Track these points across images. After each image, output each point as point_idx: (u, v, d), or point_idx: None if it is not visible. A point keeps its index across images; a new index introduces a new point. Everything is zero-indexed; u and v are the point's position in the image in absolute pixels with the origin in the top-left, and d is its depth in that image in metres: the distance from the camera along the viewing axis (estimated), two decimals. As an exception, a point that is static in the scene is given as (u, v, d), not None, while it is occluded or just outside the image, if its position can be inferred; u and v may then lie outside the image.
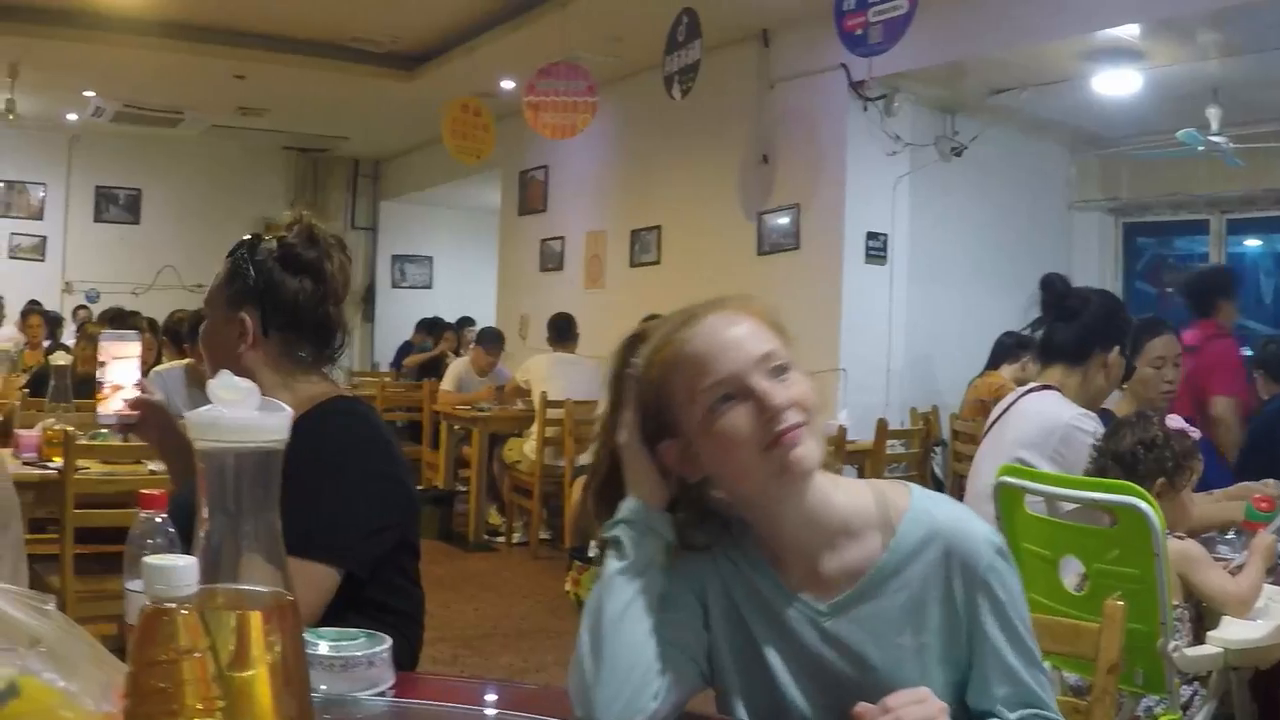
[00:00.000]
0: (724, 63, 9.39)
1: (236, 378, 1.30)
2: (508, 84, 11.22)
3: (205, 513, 1.25)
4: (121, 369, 2.69)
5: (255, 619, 1.23)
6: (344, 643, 1.83)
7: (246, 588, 1.26)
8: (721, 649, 1.85)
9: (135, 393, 2.69)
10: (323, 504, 2.31)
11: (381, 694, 1.81)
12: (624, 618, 1.76)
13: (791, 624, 1.80)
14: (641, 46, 9.49)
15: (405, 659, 2.17)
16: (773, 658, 1.81)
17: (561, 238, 12.43)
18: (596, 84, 9.85)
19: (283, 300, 2.50)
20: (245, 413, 1.26)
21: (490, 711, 1.98)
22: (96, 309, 13.45)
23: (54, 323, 12.61)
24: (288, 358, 2.53)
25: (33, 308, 13.12)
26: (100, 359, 2.69)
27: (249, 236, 2.60)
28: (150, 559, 1.23)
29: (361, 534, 2.41)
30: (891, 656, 1.75)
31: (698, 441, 1.75)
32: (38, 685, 1.31)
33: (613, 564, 1.80)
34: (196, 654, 1.19)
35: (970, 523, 1.80)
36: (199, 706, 1.18)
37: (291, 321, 2.52)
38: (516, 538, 9.62)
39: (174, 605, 1.20)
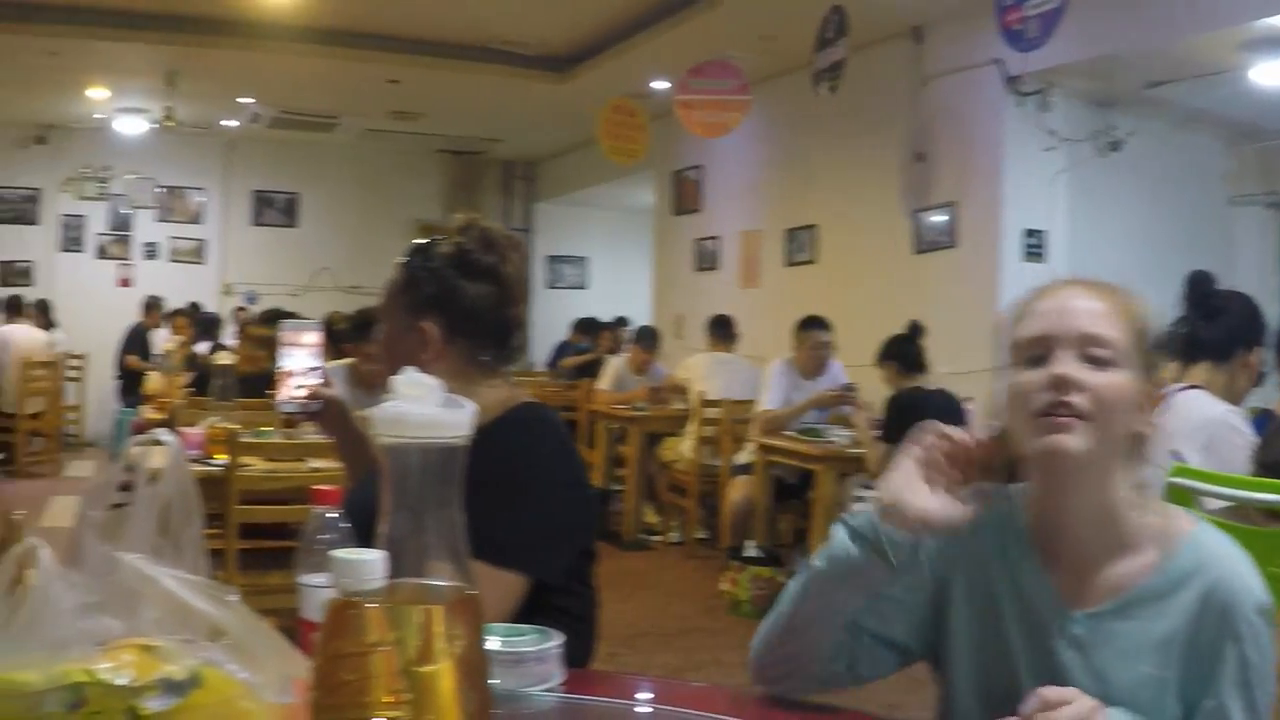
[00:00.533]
0: (877, 60, 9.34)
1: (421, 374, 1.30)
2: (659, 84, 11.22)
3: (389, 508, 1.27)
4: (300, 356, 2.72)
5: (439, 614, 1.24)
6: (515, 638, 1.84)
7: (430, 582, 1.27)
8: (958, 633, 1.84)
9: (317, 381, 2.72)
10: (516, 512, 2.32)
11: (551, 690, 1.82)
12: (804, 596, 1.83)
13: (1045, 624, 1.76)
14: (793, 44, 9.43)
15: (579, 659, 2.17)
16: (1016, 651, 1.78)
17: (716, 237, 12.41)
18: (749, 83, 9.83)
19: (462, 307, 2.47)
20: (430, 409, 1.27)
21: (660, 708, 1.98)
22: (255, 310, 13.68)
23: (211, 323, 12.84)
24: (471, 363, 2.50)
25: (183, 310, 13.47)
26: (280, 345, 2.72)
27: (421, 241, 2.56)
28: (339, 552, 1.24)
29: (553, 542, 2.43)
30: (1132, 681, 1.68)
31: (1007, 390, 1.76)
32: (220, 676, 1.33)
33: (821, 549, 1.83)
34: (384, 647, 1.20)
35: (1244, 571, 1.69)
36: (387, 699, 1.19)
37: (474, 327, 2.49)
38: (673, 537, 9.61)
39: (362, 599, 1.22)
